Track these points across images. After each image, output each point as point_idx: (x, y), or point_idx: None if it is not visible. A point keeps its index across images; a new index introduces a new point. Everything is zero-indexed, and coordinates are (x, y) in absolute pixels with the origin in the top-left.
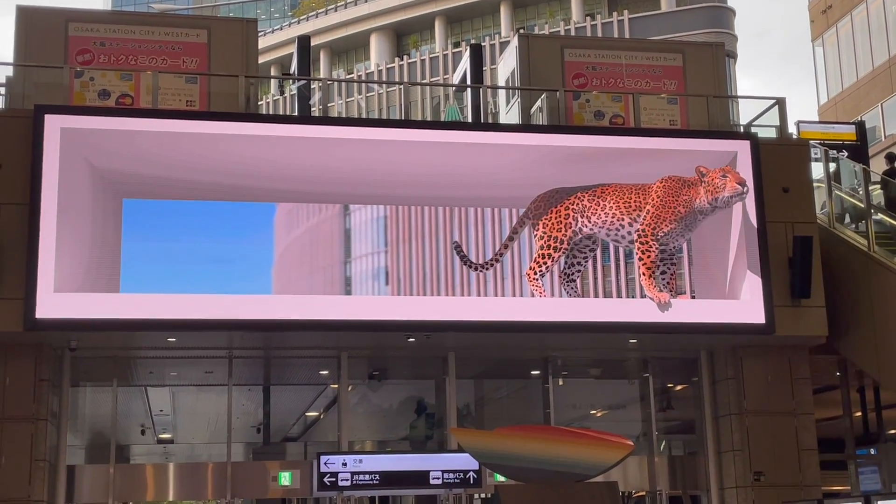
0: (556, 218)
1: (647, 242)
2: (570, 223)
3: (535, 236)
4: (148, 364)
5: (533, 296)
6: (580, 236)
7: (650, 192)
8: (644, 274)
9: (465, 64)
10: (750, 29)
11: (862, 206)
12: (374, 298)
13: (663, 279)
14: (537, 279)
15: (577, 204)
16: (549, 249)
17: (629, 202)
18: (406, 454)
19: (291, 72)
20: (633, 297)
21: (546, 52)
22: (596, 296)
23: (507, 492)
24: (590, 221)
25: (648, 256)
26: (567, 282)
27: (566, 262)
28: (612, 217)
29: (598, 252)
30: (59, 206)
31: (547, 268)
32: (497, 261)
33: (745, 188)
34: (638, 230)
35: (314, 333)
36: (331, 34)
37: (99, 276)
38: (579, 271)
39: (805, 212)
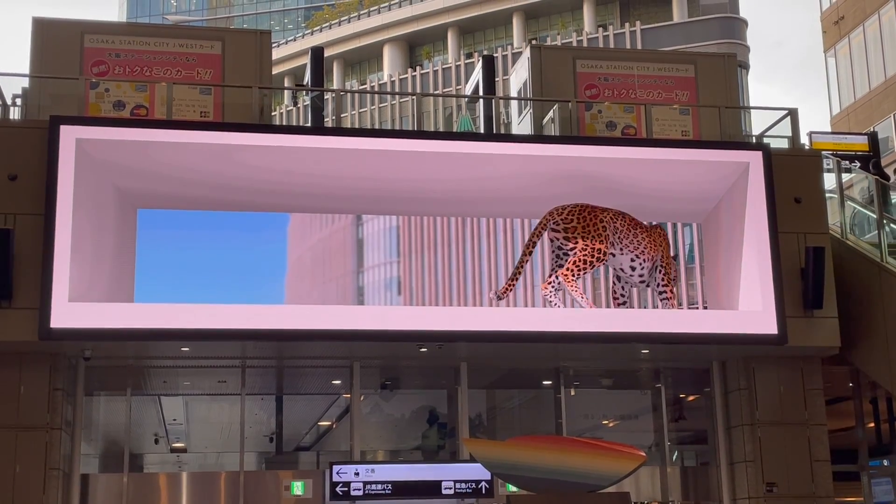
0: (594, 231)
1: (672, 292)
2: (608, 236)
3: (567, 246)
4: (161, 373)
5: (545, 303)
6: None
7: (664, 241)
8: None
9: (477, 75)
10: (766, 39)
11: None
12: (387, 308)
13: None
14: (575, 281)
15: (611, 225)
16: (591, 258)
17: (653, 243)
18: (418, 464)
19: (305, 83)
20: (645, 307)
21: (558, 63)
22: (608, 306)
23: (519, 502)
24: (616, 247)
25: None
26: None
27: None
28: (642, 252)
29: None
30: (74, 216)
31: (584, 273)
32: (516, 278)
33: None
34: (662, 281)
35: (327, 343)
36: (344, 45)
37: (113, 285)
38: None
39: (817, 222)
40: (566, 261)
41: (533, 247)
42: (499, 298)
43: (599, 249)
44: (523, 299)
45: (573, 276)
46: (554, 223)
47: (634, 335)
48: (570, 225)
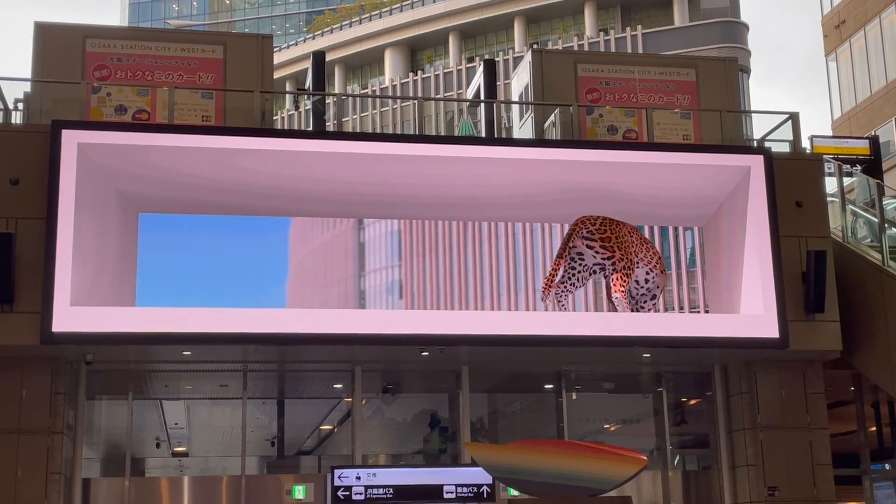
0: (626, 242)
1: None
2: (633, 249)
3: (602, 254)
4: (163, 377)
5: (556, 304)
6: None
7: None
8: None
9: (478, 79)
10: (767, 43)
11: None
12: (388, 312)
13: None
14: (626, 293)
15: (632, 237)
16: (629, 269)
17: (660, 259)
18: (420, 468)
19: (306, 87)
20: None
21: (559, 67)
22: (609, 310)
23: None
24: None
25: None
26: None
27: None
28: (654, 266)
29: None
30: (76, 220)
31: (629, 283)
32: (552, 281)
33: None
34: (657, 291)
35: (328, 347)
36: (345, 49)
37: (115, 289)
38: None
39: (819, 226)
40: (582, 265)
41: (567, 250)
42: (543, 299)
43: (632, 261)
44: (525, 303)
45: (623, 288)
46: (588, 231)
47: (636, 339)
48: (605, 235)
